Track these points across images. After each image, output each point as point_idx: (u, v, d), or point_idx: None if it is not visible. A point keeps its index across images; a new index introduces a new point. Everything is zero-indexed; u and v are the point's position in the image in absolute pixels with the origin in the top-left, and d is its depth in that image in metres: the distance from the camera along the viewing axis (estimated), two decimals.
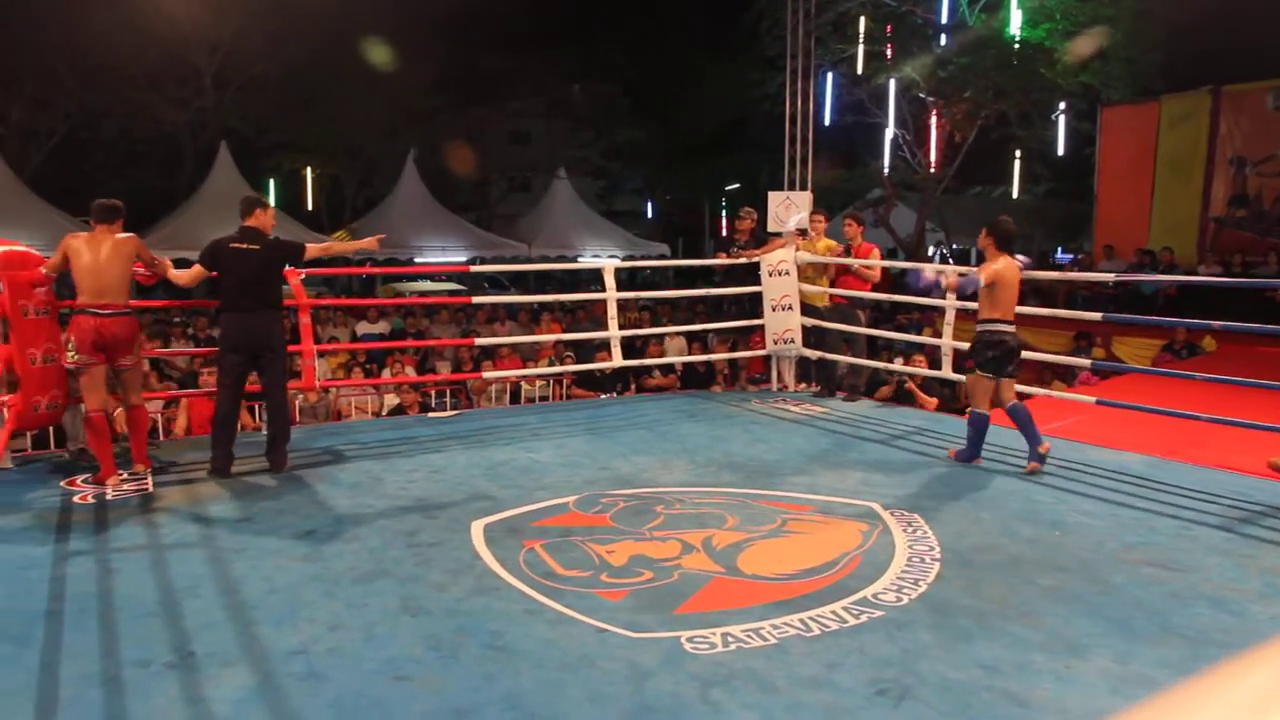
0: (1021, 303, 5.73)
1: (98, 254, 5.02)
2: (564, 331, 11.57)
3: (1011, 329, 5.56)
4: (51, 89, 20.68)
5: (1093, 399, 6.56)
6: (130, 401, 5.27)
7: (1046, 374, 9.62)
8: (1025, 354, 8.82)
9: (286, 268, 5.77)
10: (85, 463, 5.54)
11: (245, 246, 5.38)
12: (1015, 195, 23.41)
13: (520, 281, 24.40)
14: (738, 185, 30.30)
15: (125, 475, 5.18)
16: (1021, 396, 8.03)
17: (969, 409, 5.78)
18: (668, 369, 9.69)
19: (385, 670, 2.95)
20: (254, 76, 22.27)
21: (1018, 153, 21.35)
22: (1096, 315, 7.34)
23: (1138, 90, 16.95)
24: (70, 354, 5.02)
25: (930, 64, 17.64)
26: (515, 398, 9.35)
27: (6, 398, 5.08)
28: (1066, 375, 9.78)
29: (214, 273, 5.44)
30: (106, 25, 19.32)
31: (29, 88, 20.49)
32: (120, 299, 5.07)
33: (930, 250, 23.41)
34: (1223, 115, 14.93)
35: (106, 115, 21.82)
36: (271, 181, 25.71)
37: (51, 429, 6.28)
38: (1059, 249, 25.64)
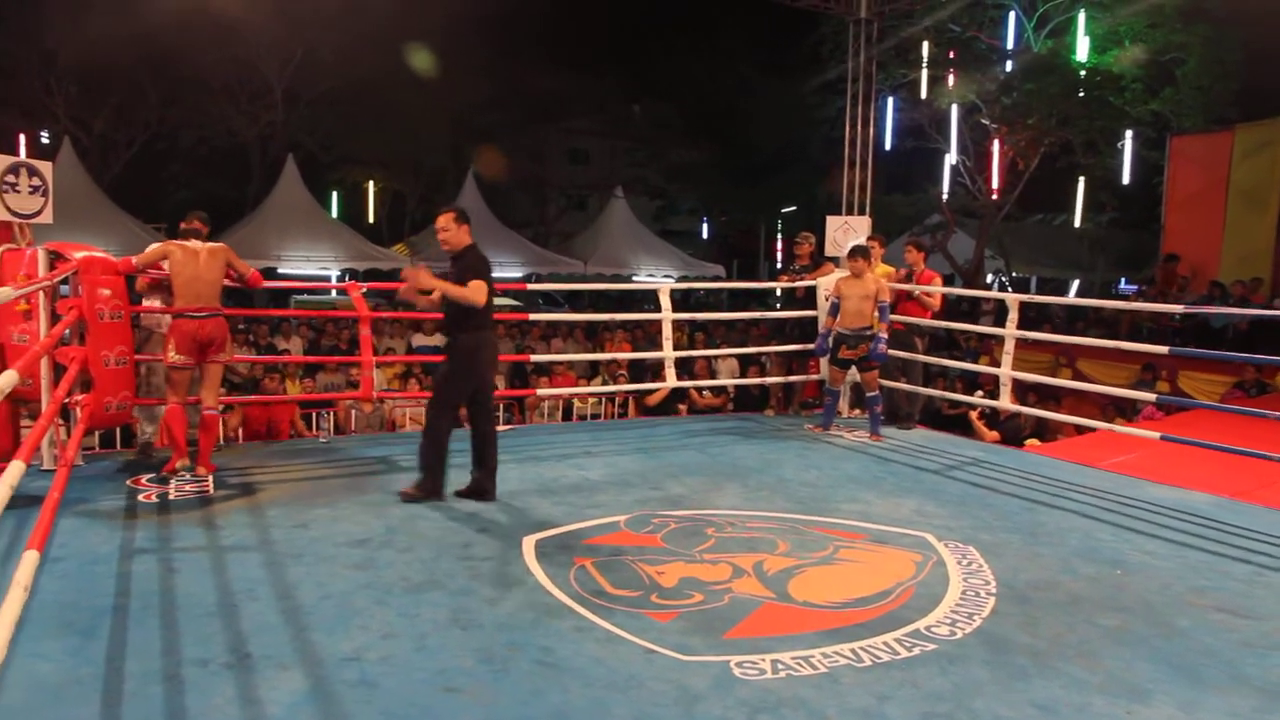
0: (1081, 332, 5.76)
1: (197, 263, 5.37)
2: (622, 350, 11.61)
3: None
4: (134, 101, 21.45)
5: (1157, 435, 6.38)
6: (206, 403, 5.47)
7: (1109, 409, 9.40)
8: (1086, 386, 8.70)
9: (347, 283, 5.86)
10: (149, 459, 5.75)
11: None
12: (1078, 223, 23.00)
13: (574, 299, 24.56)
14: (794, 208, 30.19)
15: (189, 474, 5.32)
16: (1080, 430, 7.89)
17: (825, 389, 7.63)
18: (719, 390, 9.67)
19: (436, 681, 2.98)
20: (323, 92, 22.85)
21: (1081, 180, 20.99)
22: (1163, 349, 7.16)
23: (1210, 119, 16.55)
24: (172, 354, 5.34)
25: (994, 90, 17.45)
26: (568, 414, 9.40)
27: (80, 397, 5.25)
28: (1127, 410, 9.54)
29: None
30: (188, 41, 20.02)
31: (113, 99, 21.28)
32: (214, 302, 5.43)
33: (989, 278, 23.07)
34: None
35: (182, 127, 22.54)
36: (335, 194, 26.30)
37: (118, 429, 6.49)
38: (1122, 279, 25.09)
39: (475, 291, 4.86)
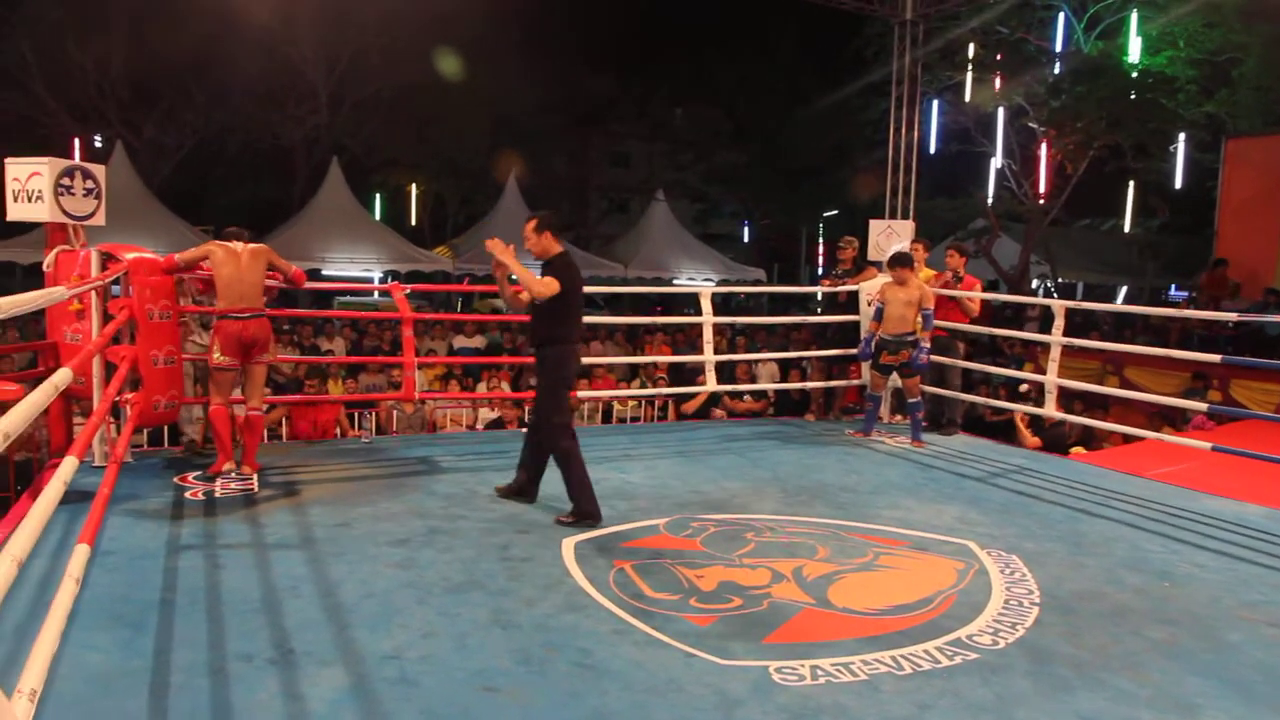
0: (1130, 340, 5.66)
1: (238, 264, 5.41)
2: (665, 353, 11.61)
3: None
4: (183, 106, 21.91)
5: (1208, 445, 6.23)
6: (250, 404, 5.55)
7: (1156, 418, 9.20)
8: (1134, 395, 8.52)
9: (390, 285, 5.85)
10: (194, 458, 5.87)
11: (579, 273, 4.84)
12: (1127, 229, 22.57)
13: (614, 302, 24.60)
14: (836, 211, 30.00)
15: (235, 474, 5.42)
16: (1127, 439, 7.73)
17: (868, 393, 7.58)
18: (760, 394, 9.62)
19: (475, 681, 3.00)
20: (367, 96, 23.15)
21: (1131, 184, 20.59)
22: (1215, 357, 6.99)
23: (1269, 120, 16.15)
24: (216, 355, 5.40)
25: (1042, 92, 17.18)
26: (607, 417, 9.41)
27: (130, 396, 5.36)
28: (1176, 419, 9.32)
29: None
30: (236, 47, 20.41)
31: (163, 105, 21.76)
32: (257, 303, 5.46)
33: (1034, 283, 22.73)
34: None
35: (230, 131, 22.96)
36: (378, 197, 26.62)
37: (165, 427, 6.62)
38: (1173, 286, 24.59)
39: (544, 285, 4.68)
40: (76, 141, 21.14)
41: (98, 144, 22.41)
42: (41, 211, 5.40)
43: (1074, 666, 3.26)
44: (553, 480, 5.57)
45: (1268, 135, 15.73)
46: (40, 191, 5.36)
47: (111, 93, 21.18)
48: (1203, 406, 7.13)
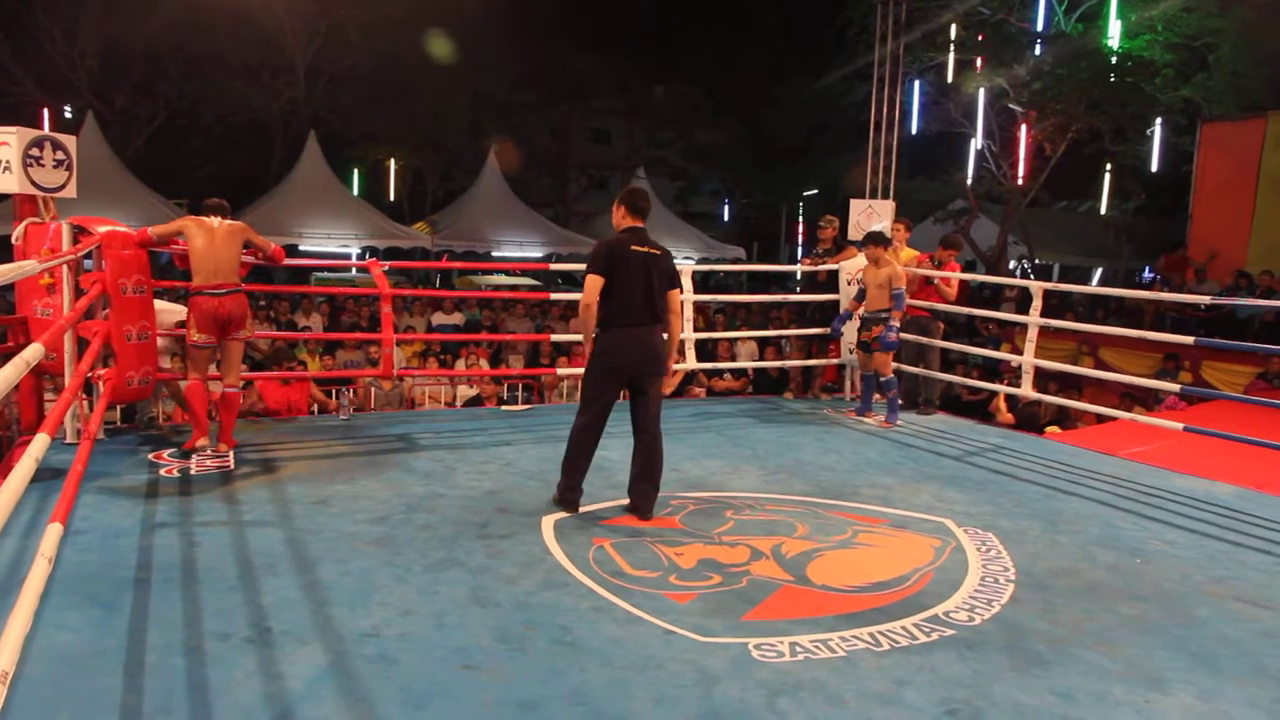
0: (1104, 321, 5.73)
1: (212, 238, 5.34)
2: None
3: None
4: (155, 76, 21.51)
5: (1180, 425, 6.32)
6: (227, 381, 5.50)
7: (1128, 398, 9.31)
8: (1108, 375, 8.62)
9: (368, 261, 5.79)
10: (154, 431, 5.90)
11: (649, 251, 4.60)
12: (1104, 210, 22.73)
13: None
14: (816, 191, 30.01)
15: (211, 450, 5.37)
16: (1101, 419, 7.83)
17: (882, 376, 7.30)
18: (739, 372, 9.64)
19: (454, 658, 2.99)
20: (345, 69, 22.83)
21: (1108, 167, 20.72)
22: (1188, 339, 7.06)
23: (1243, 106, 16.29)
24: (193, 333, 5.34)
25: (1023, 74, 17.23)
26: None
27: (103, 372, 5.29)
28: (1148, 400, 9.45)
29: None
30: (210, 17, 20.04)
31: (135, 75, 21.34)
32: (233, 278, 5.39)
33: (1011, 264, 22.87)
34: None
35: (204, 103, 22.57)
36: (355, 172, 26.32)
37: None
38: (1146, 268, 24.84)
39: (583, 294, 4.52)
40: (45, 111, 20.70)
41: (68, 114, 21.96)
42: (10, 183, 5.28)
43: (1048, 642, 3.30)
44: (530, 457, 5.58)
45: (1242, 120, 15.87)
46: (8, 162, 5.25)
47: (81, 62, 20.74)
48: (1175, 387, 7.20)
